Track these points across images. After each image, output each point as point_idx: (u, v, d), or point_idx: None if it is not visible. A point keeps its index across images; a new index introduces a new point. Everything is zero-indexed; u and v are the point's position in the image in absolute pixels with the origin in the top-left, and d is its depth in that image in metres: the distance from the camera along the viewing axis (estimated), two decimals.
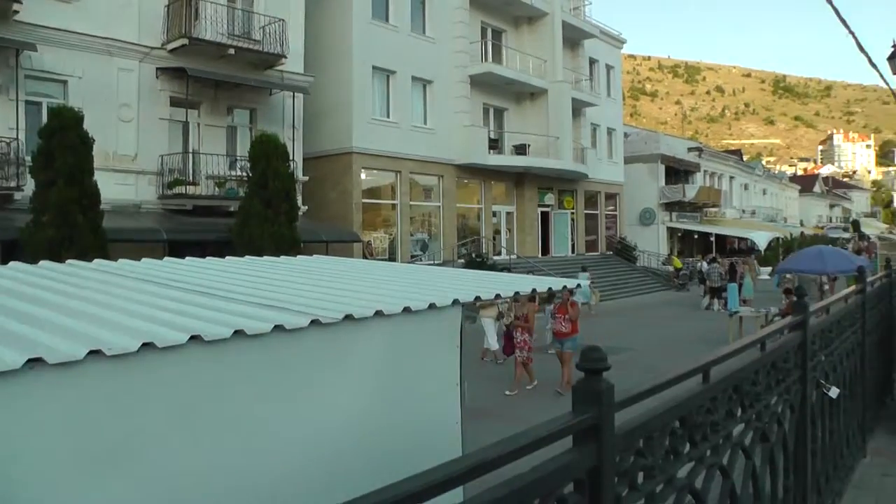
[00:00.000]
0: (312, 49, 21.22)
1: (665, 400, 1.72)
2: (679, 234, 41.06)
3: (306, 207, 19.78)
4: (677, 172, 41.02)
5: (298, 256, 5.94)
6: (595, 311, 22.04)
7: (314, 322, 2.63)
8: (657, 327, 18.87)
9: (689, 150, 43.95)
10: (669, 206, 39.23)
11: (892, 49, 13.96)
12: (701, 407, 1.90)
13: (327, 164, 22.29)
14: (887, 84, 13.87)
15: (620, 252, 34.92)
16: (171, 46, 16.96)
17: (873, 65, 11.56)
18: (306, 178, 20.34)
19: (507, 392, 10.89)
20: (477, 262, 23.32)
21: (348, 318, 2.76)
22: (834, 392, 3.34)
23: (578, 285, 5.90)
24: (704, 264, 28.26)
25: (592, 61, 35.17)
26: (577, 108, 31.73)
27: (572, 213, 33.23)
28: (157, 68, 16.95)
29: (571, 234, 33.34)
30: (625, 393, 1.54)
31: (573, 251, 33.18)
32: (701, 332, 16.86)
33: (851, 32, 9.62)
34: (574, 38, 32.58)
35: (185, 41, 16.71)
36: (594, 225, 35.10)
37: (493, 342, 13.39)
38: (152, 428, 2.16)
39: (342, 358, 2.82)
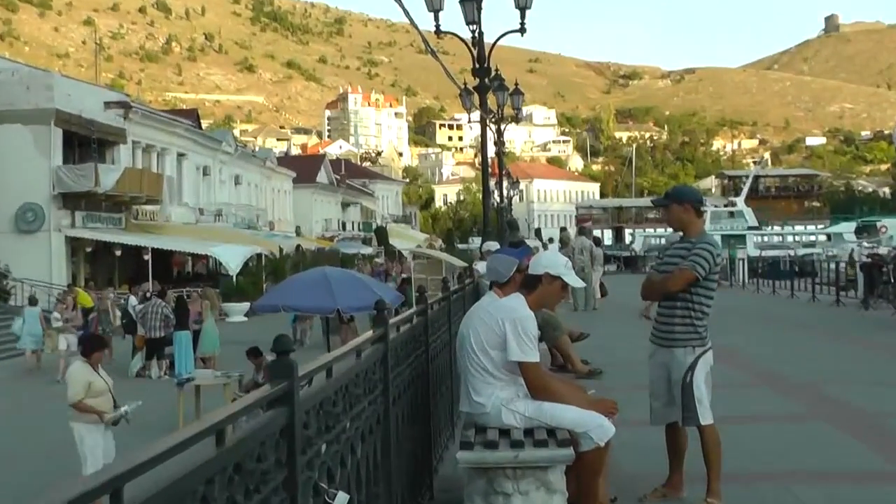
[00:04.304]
0: None
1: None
2: (89, 250, 30.31)
3: None
4: (87, 143, 29.37)
5: None
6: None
7: None
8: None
9: (110, 105, 31.85)
10: (72, 201, 28.34)
11: None
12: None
13: None
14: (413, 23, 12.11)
15: None
16: None
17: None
18: None
19: None
20: None
21: None
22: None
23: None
24: (134, 300, 20.35)
25: None
26: None
27: None
28: None
29: None
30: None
31: None
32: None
33: None
34: None
35: None
36: None
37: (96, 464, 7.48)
38: None
39: None
